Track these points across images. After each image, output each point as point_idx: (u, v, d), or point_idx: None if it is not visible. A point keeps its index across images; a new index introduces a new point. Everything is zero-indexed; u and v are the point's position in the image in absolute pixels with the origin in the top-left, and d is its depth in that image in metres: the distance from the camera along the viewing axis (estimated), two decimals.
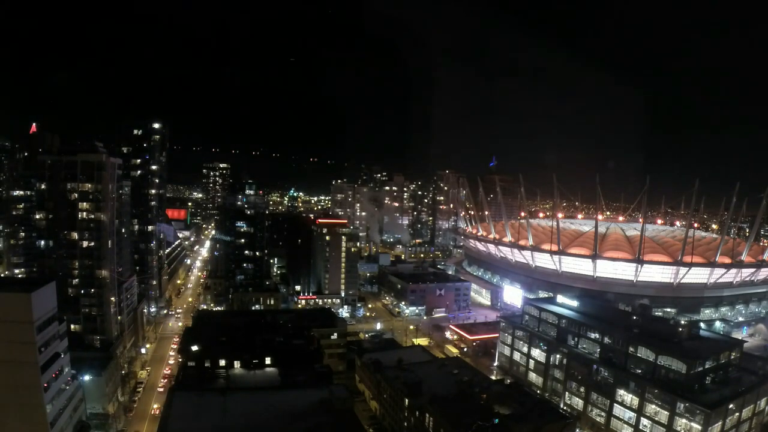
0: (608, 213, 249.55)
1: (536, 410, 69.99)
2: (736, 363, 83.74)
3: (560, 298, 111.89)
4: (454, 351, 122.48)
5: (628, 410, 79.93)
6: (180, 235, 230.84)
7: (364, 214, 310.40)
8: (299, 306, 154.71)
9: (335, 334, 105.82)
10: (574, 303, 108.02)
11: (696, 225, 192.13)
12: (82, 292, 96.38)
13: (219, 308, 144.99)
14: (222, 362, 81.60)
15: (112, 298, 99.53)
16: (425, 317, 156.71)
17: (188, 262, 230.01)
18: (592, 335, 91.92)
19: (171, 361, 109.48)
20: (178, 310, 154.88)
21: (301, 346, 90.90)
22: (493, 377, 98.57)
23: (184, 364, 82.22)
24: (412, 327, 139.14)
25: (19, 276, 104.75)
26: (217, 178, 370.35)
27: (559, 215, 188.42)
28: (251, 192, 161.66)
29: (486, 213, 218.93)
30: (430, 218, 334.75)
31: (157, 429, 61.71)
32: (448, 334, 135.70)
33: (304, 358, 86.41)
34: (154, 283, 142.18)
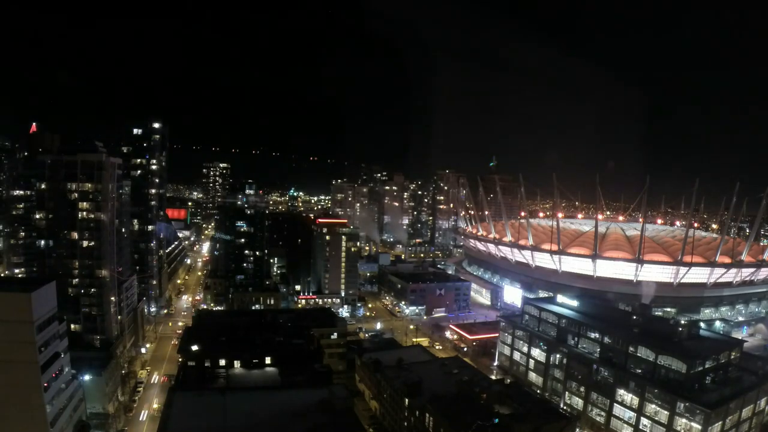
0: (608, 213, 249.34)
1: (536, 410, 69.99)
2: (736, 363, 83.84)
3: (560, 298, 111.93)
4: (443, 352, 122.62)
5: (628, 410, 80.00)
6: (180, 235, 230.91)
7: (364, 214, 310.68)
8: (299, 306, 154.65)
9: (335, 333, 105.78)
10: (574, 303, 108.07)
11: (696, 225, 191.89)
12: (82, 291, 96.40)
13: (219, 308, 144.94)
14: (222, 362, 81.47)
15: (112, 298, 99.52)
16: (425, 317, 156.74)
17: (188, 261, 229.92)
18: (592, 335, 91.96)
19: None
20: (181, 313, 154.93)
21: (301, 346, 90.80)
22: (493, 377, 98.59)
23: (184, 363, 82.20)
24: (412, 327, 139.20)
25: (19, 276, 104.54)
26: (217, 178, 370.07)
27: (559, 215, 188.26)
28: (251, 191, 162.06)
29: (486, 213, 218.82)
30: (430, 218, 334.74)
31: (157, 429, 61.70)
32: (448, 334, 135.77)
33: (304, 357, 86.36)
34: (154, 282, 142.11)
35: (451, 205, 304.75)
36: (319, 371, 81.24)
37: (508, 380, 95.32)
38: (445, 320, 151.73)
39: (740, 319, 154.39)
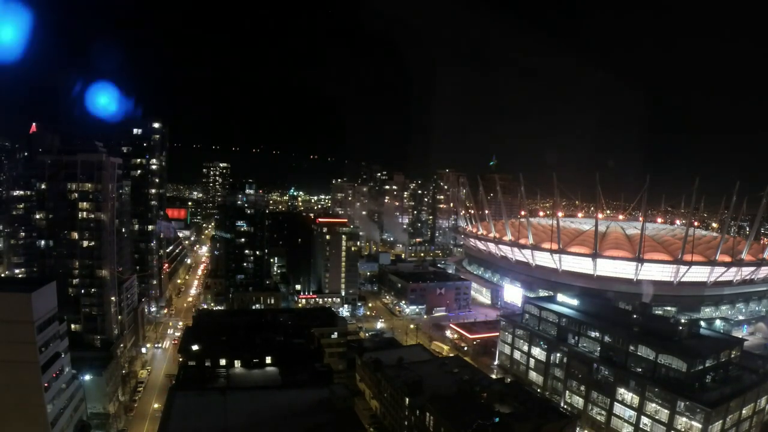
0: (608, 211, 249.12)
1: (537, 409, 69.94)
2: (737, 361, 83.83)
3: (560, 297, 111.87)
4: (445, 348, 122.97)
5: (629, 409, 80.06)
6: (180, 235, 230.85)
7: (364, 213, 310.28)
8: (299, 305, 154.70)
9: (335, 333, 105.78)
10: (575, 302, 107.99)
11: (696, 223, 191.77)
12: (83, 291, 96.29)
13: (219, 308, 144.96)
14: (222, 361, 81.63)
15: (113, 298, 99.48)
16: (425, 316, 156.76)
17: (188, 261, 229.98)
18: (593, 334, 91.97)
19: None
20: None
21: (301, 346, 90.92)
22: (494, 376, 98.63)
23: (185, 363, 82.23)
24: (412, 326, 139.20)
25: (20, 276, 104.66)
26: (217, 177, 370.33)
27: (559, 214, 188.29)
28: (251, 191, 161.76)
29: (486, 212, 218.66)
30: (431, 217, 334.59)
31: (157, 429, 61.73)
32: (448, 333, 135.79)
33: (305, 357, 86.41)
34: (155, 282, 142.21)
35: (451, 205, 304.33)
36: (319, 371, 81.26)
37: (509, 379, 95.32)
38: (445, 319, 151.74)
39: (740, 317, 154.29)
